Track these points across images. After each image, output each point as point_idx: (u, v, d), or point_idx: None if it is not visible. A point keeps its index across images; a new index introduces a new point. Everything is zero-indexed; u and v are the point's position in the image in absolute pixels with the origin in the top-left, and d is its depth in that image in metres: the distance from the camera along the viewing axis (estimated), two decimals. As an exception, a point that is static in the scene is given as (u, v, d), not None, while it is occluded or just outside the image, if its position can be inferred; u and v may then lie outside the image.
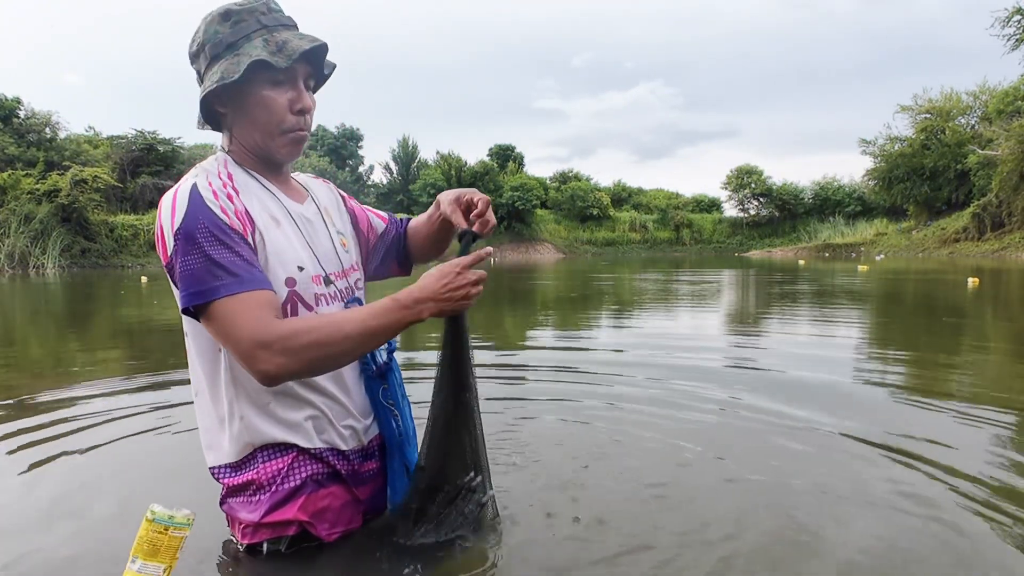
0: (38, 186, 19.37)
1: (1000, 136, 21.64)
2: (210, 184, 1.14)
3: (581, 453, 1.96)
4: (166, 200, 1.13)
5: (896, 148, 28.77)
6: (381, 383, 1.33)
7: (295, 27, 1.21)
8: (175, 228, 1.09)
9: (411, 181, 37.11)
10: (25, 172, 19.93)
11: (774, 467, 1.83)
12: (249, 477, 1.21)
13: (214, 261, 1.07)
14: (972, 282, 8.90)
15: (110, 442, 2.15)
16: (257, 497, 1.21)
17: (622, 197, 39.52)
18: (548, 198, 36.07)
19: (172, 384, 3.01)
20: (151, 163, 25.94)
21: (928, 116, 27.83)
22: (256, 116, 1.19)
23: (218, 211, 1.11)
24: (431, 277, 1.17)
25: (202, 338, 1.18)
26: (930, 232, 25.19)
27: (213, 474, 1.26)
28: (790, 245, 31.52)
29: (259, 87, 1.17)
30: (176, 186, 1.15)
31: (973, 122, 27.74)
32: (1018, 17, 20.52)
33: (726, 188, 37.78)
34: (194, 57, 1.20)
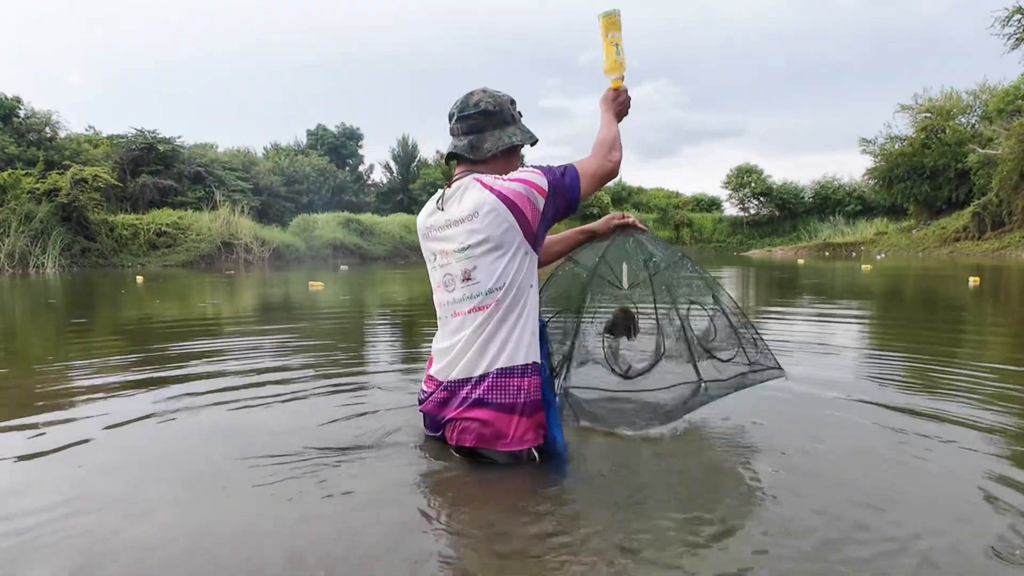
0: (38, 185, 19.32)
1: (1000, 135, 21.66)
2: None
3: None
4: (527, 175, 1.72)
5: (896, 147, 28.77)
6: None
7: None
8: (545, 179, 1.72)
9: (411, 180, 37.13)
10: (25, 171, 19.89)
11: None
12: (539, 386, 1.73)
13: (559, 171, 1.77)
14: (973, 281, 8.95)
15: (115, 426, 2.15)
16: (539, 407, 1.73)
17: (622, 196, 39.51)
18: (548, 197, 36.04)
19: (170, 377, 3.01)
20: (151, 162, 25.93)
21: (928, 115, 27.82)
22: (509, 161, 1.82)
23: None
24: (606, 102, 1.91)
25: (530, 275, 1.73)
26: (930, 231, 25.20)
27: (516, 371, 1.67)
28: (790, 244, 31.52)
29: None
30: (501, 181, 1.71)
31: (973, 121, 27.75)
32: (1018, 16, 20.51)
33: (726, 187, 37.81)
34: (486, 114, 1.77)
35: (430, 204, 1.86)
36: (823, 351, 3.72)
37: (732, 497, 1.59)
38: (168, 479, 1.77)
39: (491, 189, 1.68)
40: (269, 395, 2.67)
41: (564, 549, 1.30)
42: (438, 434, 1.84)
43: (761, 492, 1.60)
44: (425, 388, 1.85)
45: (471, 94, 1.79)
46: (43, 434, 2.19)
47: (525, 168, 1.77)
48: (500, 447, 1.69)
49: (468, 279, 1.71)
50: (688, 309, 2.01)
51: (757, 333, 1.99)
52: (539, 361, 1.72)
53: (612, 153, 1.81)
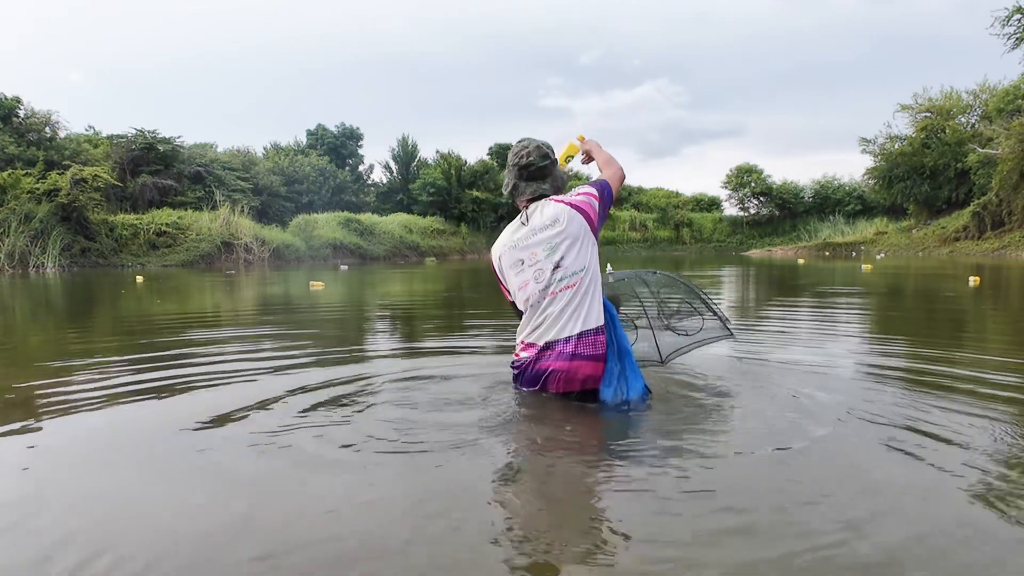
0: (38, 185, 19.29)
1: (1000, 135, 21.66)
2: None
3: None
4: (586, 189, 2.42)
5: (896, 147, 28.80)
6: None
7: None
8: (596, 190, 2.42)
9: (411, 180, 37.09)
10: (25, 171, 19.87)
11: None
12: None
13: (599, 184, 2.48)
14: (973, 280, 9.00)
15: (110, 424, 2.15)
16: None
17: (621, 196, 39.49)
18: (548, 197, 36.07)
19: (172, 373, 3.01)
20: (151, 162, 25.91)
21: (928, 115, 27.85)
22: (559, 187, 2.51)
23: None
24: (591, 144, 2.64)
25: (596, 258, 2.32)
26: (930, 231, 25.22)
27: (598, 330, 2.24)
28: (790, 244, 31.53)
29: None
30: (570, 196, 2.38)
31: (973, 121, 27.76)
32: (1018, 16, 20.54)
33: (726, 187, 37.83)
34: (543, 157, 2.39)
35: (514, 224, 2.42)
36: (824, 345, 3.73)
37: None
38: (169, 478, 1.77)
39: (564, 202, 2.34)
40: (273, 394, 2.67)
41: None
42: (536, 387, 2.31)
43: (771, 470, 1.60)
44: (524, 354, 2.34)
45: (539, 147, 2.40)
46: (43, 434, 2.20)
47: (582, 185, 2.44)
48: (598, 385, 2.25)
49: (558, 267, 2.26)
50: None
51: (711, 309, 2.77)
52: (604, 324, 2.28)
53: (616, 162, 2.58)
